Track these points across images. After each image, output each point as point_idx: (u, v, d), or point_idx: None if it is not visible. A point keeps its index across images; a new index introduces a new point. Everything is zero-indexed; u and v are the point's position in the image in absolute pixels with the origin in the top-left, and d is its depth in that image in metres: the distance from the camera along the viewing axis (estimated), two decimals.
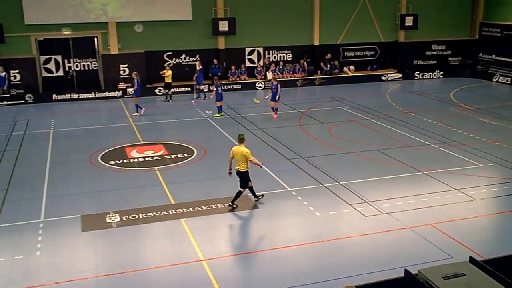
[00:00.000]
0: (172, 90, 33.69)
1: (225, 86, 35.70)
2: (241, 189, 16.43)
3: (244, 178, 16.40)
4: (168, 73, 32.82)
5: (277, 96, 27.54)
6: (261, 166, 16.95)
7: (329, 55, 39.18)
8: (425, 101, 32.73)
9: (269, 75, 36.74)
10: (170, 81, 33.04)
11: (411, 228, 14.89)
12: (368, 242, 14.22)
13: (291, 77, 37.95)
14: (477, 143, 22.98)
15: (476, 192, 17.46)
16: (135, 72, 29.95)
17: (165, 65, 34.62)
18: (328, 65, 38.92)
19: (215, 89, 28.77)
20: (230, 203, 16.43)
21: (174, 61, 36.12)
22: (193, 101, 32.97)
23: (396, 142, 23.25)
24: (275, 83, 27.85)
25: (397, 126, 25.94)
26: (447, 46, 42.11)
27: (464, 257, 11.21)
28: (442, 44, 42.02)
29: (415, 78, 40.64)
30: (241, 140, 16.51)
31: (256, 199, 16.83)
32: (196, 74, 33.47)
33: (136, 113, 29.08)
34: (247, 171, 16.34)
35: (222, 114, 28.66)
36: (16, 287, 12.16)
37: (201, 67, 33.64)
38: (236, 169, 16.38)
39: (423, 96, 34.13)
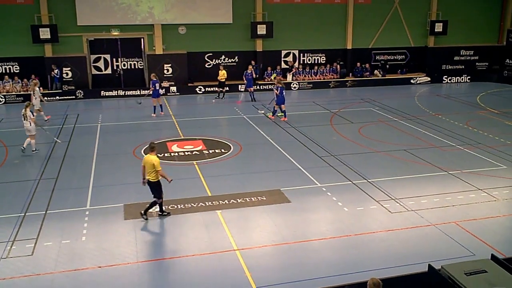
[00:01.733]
0: (226, 88, 33.83)
1: (261, 86, 35.85)
2: (156, 200, 15.18)
3: (155, 189, 15.06)
4: (222, 72, 32.99)
5: (277, 98, 26.90)
6: (169, 181, 15.06)
7: (386, 57, 39.85)
8: (452, 104, 32.20)
9: (289, 76, 36.73)
10: (223, 80, 33.18)
11: (435, 225, 14.67)
12: (393, 238, 14.05)
13: (323, 79, 37.76)
14: (502, 145, 22.53)
15: (499, 193, 17.11)
16: (153, 74, 29.72)
17: (216, 65, 35.30)
18: (384, 61, 39.70)
19: (276, 90, 27.40)
20: (142, 212, 15.17)
21: (214, 61, 36.29)
22: (237, 101, 32.87)
23: (423, 143, 22.93)
24: (278, 86, 27.02)
25: (425, 127, 25.60)
26: (475, 51, 41.49)
27: (486, 254, 11.06)
28: (470, 50, 41.41)
29: (443, 82, 40.12)
30: (151, 148, 15.05)
31: (161, 213, 15.36)
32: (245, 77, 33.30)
33: (161, 112, 28.70)
34: (158, 181, 14.98)
35: (273, 115, 27.93)
36: (63, 270, 12.35)
37: (250, 71, 33.02)
38: (147, 179, 15.07)
39: (451, 99, 33.59)
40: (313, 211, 15.93)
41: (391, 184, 17.88)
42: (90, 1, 33.16)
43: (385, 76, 39.15)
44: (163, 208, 15.43)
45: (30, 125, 21.30)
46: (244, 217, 15.42)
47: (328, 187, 17.57)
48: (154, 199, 15.13)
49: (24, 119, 21.28)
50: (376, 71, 39.26)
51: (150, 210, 15.29)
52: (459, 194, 16.96)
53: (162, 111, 28.83)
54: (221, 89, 33.65)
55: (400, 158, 20.88)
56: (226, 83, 33.83)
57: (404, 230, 14.50)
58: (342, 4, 37.79)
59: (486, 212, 15.68)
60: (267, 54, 37.17)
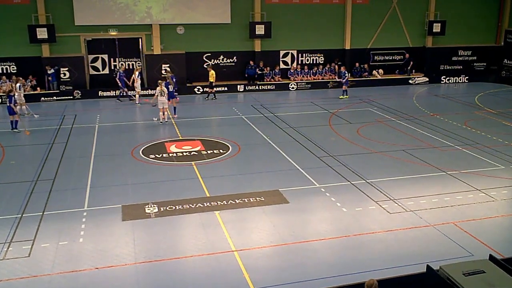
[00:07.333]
0: (215, 89, 33.74)
1: (260, 87, 35.84)
2: None
3: None
4: (211, 73, 32.87)
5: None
6: None
7: (411, 63, 39.73)
8: (450, 104, 32.21)
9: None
10: (213, 80, 33.05)
11: (433, 226, 14.66)
12: (392, 238, 14.05)
13: (322, 79, 37.73)
14: (500, 145, 22.54)
15: (497, 193, 17.12)
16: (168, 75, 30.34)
17: (206, 65, 34.96)
18: (410, 66, 39.76)
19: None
20: None
21: (213, 62, 36.24)
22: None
23: (421, 143, 22.93)
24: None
25: (423, 127, 25.60)
26: (473, 52, 41.48)
27: (484, 255, 11.05)
28: (468, 50, 41.39)
29: (441, 82, 40.10)
30: None
31: None
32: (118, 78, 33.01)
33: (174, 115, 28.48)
34: None
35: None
36: (60, 271, 12.32)
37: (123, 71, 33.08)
38: None
39: (449, 100, 33.59)
40: (311, 212, 15.92)
41: (390, 184, 17.88)
42: (87, 1, 33.06)
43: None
44: None
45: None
46: (242, 217, 15.39)
47: (327, 188, 17.55)
48: None
49: (161, 95, 26.35)
50: (374, 71, 39.26)
51: (148, 211, 15.27)
52: (458, 195, 16.96)
53: (175, 113, 28.44)
54: (210, 89, 33.44)
55: (398, 158, 20.87)
56: (224, 83, 33.77)
57: (403, 230, 14.50)
58: (340, 4, 37.77)
59: (485, 212, 15.68)
60: (266, 54, 37.11)
